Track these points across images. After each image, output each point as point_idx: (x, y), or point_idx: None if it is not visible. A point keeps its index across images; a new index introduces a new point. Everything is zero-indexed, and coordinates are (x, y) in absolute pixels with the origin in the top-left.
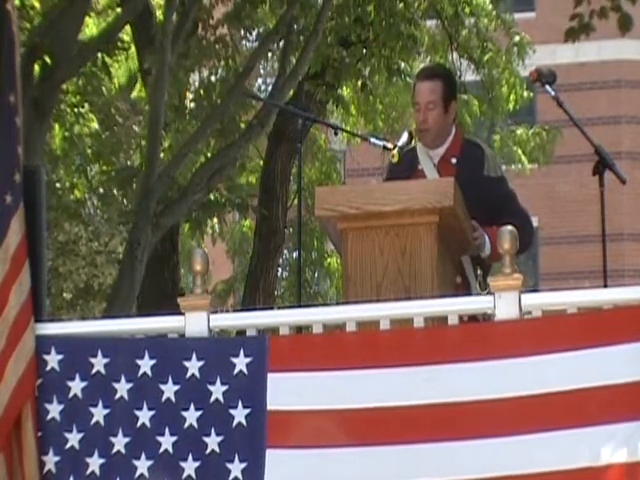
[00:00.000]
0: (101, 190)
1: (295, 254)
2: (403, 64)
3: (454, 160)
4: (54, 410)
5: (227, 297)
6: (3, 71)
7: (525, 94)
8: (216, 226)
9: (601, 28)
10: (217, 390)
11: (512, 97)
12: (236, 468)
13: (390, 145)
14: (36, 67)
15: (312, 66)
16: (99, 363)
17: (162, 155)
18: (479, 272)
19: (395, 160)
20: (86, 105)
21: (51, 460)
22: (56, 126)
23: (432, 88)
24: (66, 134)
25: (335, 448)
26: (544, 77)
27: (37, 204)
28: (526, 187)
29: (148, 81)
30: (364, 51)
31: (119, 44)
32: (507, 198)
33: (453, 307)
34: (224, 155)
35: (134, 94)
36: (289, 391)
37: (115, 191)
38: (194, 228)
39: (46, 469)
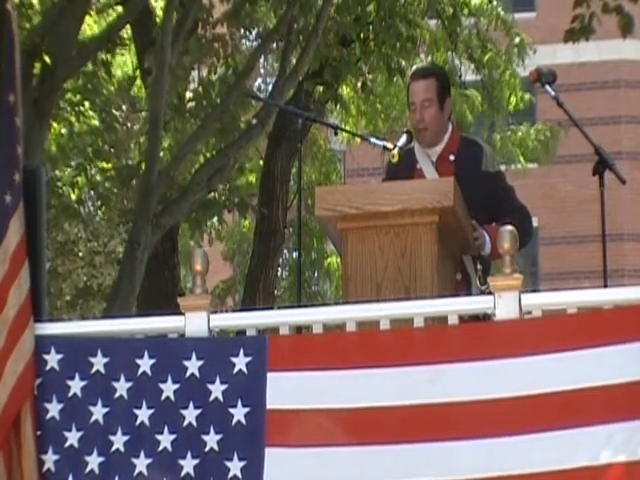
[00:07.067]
0: (101, 189)
1: (295, 254)
2: (404, 62)
3: (452, 157)
4: (53, 409)
5: (226, 297)
6: (3, 71)
7: (527, 96)
8: (216, 225)
9: (601, 28)
10: (216, 389)
11: (512, 99)
12: (235, 466)
13: (390, 145)
14: (36, 67)
15: (311, 64)
16: (99, 362)
17: (162, 154)
18: (479, 267)
19: (395, 160)
20: (86, 103)
21: (50, 459)
22: (56, 124)
23: (427, 86)
24: (67, 129)
25: (334, 447)
26: (544, 77)
27: (37, 204)
28: (526, 187)
29: (148, 80)
30: (364, 49)
31: (119, 42)
32: (505, 193)
33: (453, 307)
34: (224, 155)
35: (134, 91)
36: (289, 390)
37: (115, 190)
38: (194, 228)
39: (45, 468)
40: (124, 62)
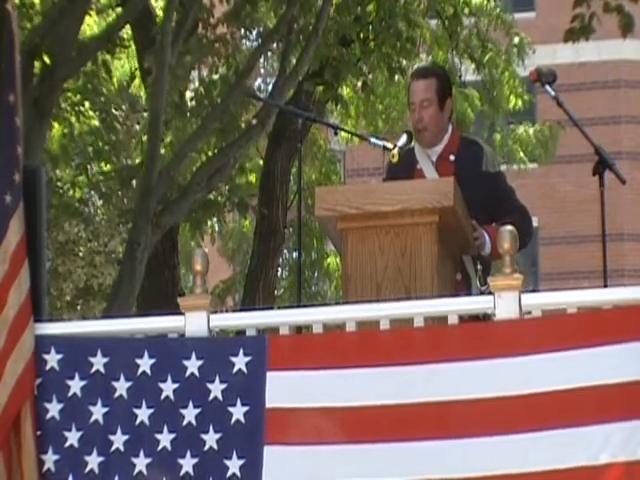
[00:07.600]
0: (102, 188)
1: (295, 254)
2: (404, 62)
3: (452, 157)
4: (53, 409)
5: (226, 297)
6: (3, 71)
7: (526, 97)
8: (215, 226)
9: (601, 28)
10: (216, 388)
11: (512, 99)
12: (234, 465)
13: (390, 145)
14: (36, 67)
15: (311, 64)
16: (99, 362)
17: (163, 151)
18: (479, 267)
19: (395, 160)
20: (86, 103)
21: (50, 459)
22: (57, 124)
23: (426, 86)
24: (67, 130)
25: (333, 445)
26: (544, 77)
27: (37, 204)
28: (526, 187)
29: (148, 80)
30: (364, 49)
31: (119, 42)
32: (505, 193)
33: (453, 307)
34: (224, 155)
35: (133, 90)
36: (288, 389)
37: (116, 189)
38: (194, 228)
39: (45, 468)
40: (122, 65)
